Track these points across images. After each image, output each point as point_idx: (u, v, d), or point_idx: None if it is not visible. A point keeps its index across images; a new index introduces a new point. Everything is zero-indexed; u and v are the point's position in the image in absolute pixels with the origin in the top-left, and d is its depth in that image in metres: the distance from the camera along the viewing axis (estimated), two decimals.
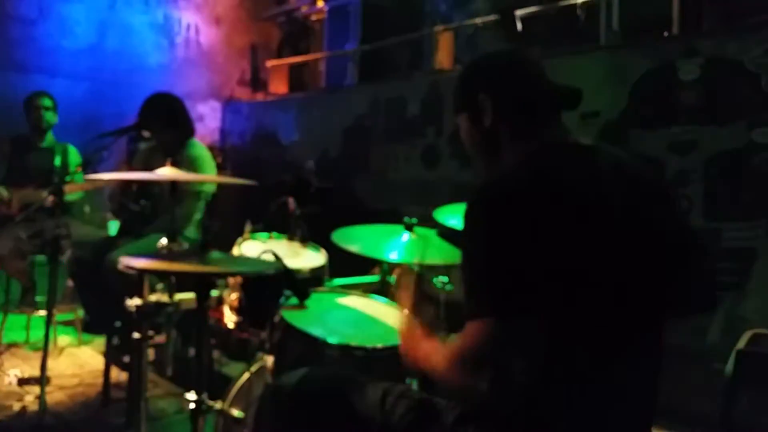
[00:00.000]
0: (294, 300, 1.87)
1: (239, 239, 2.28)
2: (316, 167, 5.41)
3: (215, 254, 1.67)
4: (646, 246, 1.28)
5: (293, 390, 1.50)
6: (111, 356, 3.29)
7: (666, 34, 3.59)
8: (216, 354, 3.71)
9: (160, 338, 3.15)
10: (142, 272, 1.93)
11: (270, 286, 1.93)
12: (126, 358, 3.22)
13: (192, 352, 3.74)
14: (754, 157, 3.02)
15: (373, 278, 2.74)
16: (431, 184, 4.49)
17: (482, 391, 1.14)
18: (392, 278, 2.73)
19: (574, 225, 1.19)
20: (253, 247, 2.25)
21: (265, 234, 2.39)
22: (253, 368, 2.44)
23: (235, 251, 2.21)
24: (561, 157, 1.31)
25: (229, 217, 4.00)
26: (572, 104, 1.41)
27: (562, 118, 1.42)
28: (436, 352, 1.35)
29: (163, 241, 2.20)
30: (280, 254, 1.99)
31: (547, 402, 1.20)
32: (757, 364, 2.04)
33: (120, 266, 1.65)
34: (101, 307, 3.29)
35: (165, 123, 3.35)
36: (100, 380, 3.56)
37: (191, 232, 3.41)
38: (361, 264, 3.28)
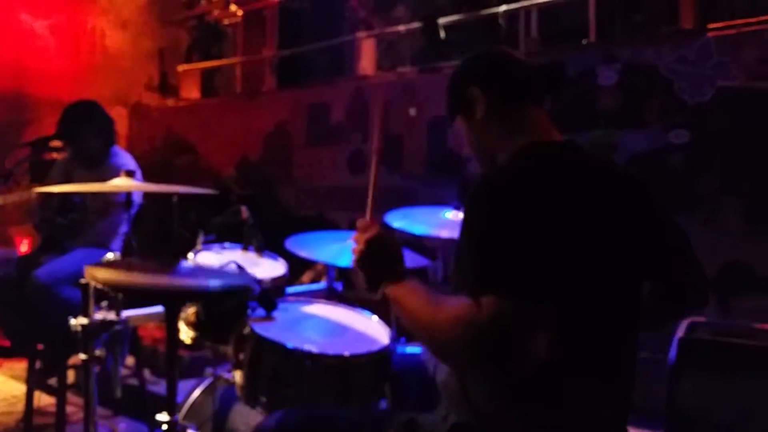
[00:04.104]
0: (261, 311, 1.83)
1: (192, 250, 2.20)
2: (236, 174, 5.31)
3: (185, 266, 1.60)
4: (634, 243, 1.33)
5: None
6: (34, 381, 3.09)
7: (585, 41, 3.77)
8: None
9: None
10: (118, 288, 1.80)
11: (233, 299, 1.87)
12: (52, 382, 3.04)
13: (121, 371, 3.58)
14: (670, 157, 3.21)
15: (319, 285, 2.71)
16: (358, 190, 4.49)
17: (491, 364, 1.13)
18: (340, 284, 2.72)
19: (571, 217, 1.23)
20: (208, 258, 2.18)
21: (217, 244, 2.31)
22: (205, 384, 2.37)
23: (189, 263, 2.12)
24: (554, 155, 1.36)
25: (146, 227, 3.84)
26: (555, 87, 1.47)
27: (546, 111, 1.47)
28: (439, 306, 1.24)
29: (109, 255, 2.08)
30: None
31: (549, 387, 1.23)
32: (698, 350, 2.17)
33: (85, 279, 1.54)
34: (23, 328, 3.08)
35: (90, 132, 3.19)
36: (17, 407, 3.35)
37: (117, 245, 3.25)
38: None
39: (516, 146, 1.40)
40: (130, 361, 3.40)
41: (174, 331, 1.63)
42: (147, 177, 5.71)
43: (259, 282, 1.91)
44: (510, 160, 1.38)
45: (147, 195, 3.04)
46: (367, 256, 1.44)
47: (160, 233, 2.17)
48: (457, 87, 1.51)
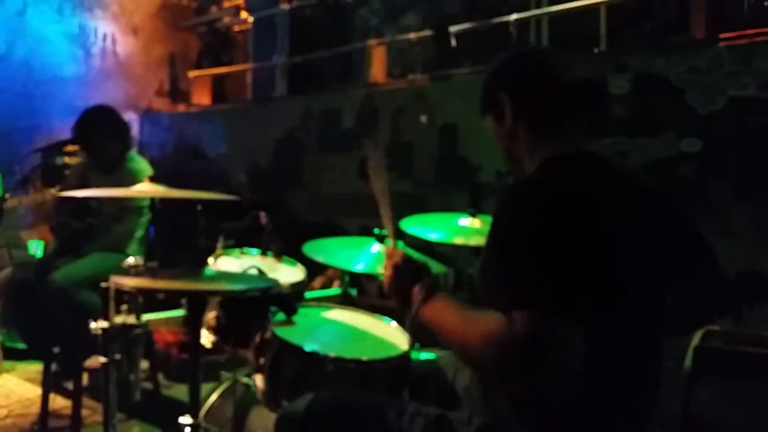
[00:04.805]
0: (281, 316, 1.85)
1: (213, 255, 2.22)
2: (247, 180, 5.34)
3: (209, 271, 1.62)
4: (659, 255, 1.34)
5: (303, 418, 1.47)
6: (49, 384, 3.11)
7: (596, 50, 3.79)
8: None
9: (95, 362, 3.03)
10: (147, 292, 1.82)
11: (253, 303, 1.89)
12: (68, 385, 3.06)
13: (132, 377, 3.60)
14: (682, 166, 3.23)
15: (334, 291, 2.73)
16: (368, 197, 4.50)
17: (524, 378, 1.12)
18: (353, 290, 2.74)
19: (593, 231, 1.24)
20: (228, 264, 2.20)
21: (237, 250, 2.33)
22: (223, 387, 2.40)
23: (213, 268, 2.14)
24: (580, 168, 1.37)
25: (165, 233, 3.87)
26: (593, 104, 1.45)
27: (582, 121, 1.45)
28: (471, 324, 1.26)
29: (130, 259, 2.10)
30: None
31: (573, 398, 1.23)
32: (714, 359, 2.18)
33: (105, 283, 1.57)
34: (40, 331, 3.11)
35: (107, 137, 3.22)
36: (31, 410, 3.37)
37: (133, 249, 3.28)
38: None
39: (541, 157, 1.40)
40: (143, 365, 3.42)
41: (197, 334, 1.65)
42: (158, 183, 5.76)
43: (279, 287, 1.93)
44: (535, 173, 1.39)
45: (164, 201, 3.07)
46: (395, 279, 1.50)
47: (180, 239, 2.20)
48: (489, 87, 1.50)
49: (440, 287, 1.43)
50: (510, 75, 1.49)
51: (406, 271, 1.49)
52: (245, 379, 2.31)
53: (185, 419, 1.66)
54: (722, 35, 3.20)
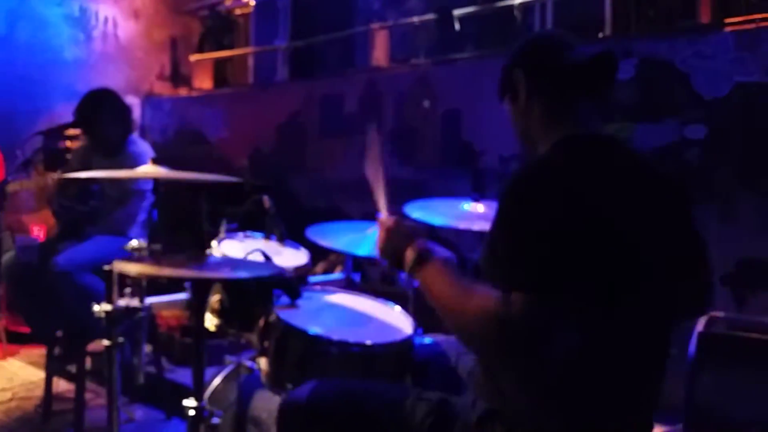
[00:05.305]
0: (285, 300, 1.85)
1: (216, 239, 2.22)
2: (248, 165, 5.33)
3: (214, 257, 1.62)
4: (664, 244, 1.32)
5: (307, 404, 1.48)
6: (53, 367, 3.13)
7: (601, 35, 3.77)
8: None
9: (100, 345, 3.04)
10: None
11: (257, 287, 1.89)
12: (71, 368, 3.08)
13: (136, 360, 3.61)
14: (686, 151, 3.22)
15: (337, 275, 2.73)
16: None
17: (517, 360, 1.12)
18: (356, 275, 2.74)
19: (602, 216, 1.23)
20: (231, 247, 2.20)
21: (240, 233, 2.33)
22: (225, 372, 2.40)
23: (215, 252, 2.14)
24: (590, 151, 1.35)
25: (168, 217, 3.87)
26: (607, 81, 1.44)
27: (597, 102, 1.44)
28: (466, 296, 1.27)
29: (134, 242, 2.10)
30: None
31: (578, 387, 1.23)
32: (718, 344, 2.18)
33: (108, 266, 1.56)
34: (43, 315, 3.11)
35: (109, 120, 3.21)
36: (35, 393, 3.40)
37: (136, 233, 3.28)
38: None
39: (554, 138, 1.39)
40: (147, 348, 3.43)
41: (201, 318, 1.65)
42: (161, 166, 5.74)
43: (283, 271, 1.92)
44: (546, 154, 1.38)
45: (167, 184, 3.06)
46: (387, 243, 1.53)
47: (183, 223, 2.19)
48: (506, 68, 1.51)
49: (433, 252, 1.43)
50: (524, 53, 1.50)
51: (398, 233, 1.51)
52: (249, 363, 2.31)
53: (189, 402, 1.66)
54: (728, 20, 3.18)
